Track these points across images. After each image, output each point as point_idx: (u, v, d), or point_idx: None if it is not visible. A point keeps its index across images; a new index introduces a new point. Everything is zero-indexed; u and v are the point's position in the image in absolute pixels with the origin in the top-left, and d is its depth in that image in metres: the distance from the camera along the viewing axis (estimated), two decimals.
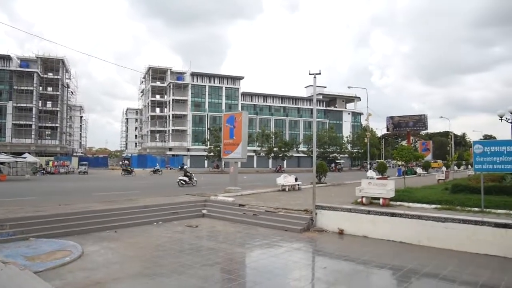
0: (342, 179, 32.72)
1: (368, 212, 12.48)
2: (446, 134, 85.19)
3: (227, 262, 9.22)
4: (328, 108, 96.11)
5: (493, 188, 15.24)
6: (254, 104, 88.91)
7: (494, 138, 64.69)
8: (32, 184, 29.92)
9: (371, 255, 9.94)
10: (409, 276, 8.17)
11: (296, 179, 23.74)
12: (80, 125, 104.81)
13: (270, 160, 71.79)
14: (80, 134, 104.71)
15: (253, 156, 69.33)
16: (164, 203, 16.21)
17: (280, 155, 65.32)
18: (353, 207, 13.32)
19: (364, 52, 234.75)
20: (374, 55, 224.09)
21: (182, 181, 27.20)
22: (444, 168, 39.50)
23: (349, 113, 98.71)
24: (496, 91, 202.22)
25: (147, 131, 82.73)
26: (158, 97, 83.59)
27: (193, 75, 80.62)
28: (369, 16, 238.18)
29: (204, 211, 16.25)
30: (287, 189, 22.13)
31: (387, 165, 44.71)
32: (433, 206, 13.37)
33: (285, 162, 70.54)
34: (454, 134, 76.46)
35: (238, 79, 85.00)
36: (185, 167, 33.56)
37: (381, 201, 13.79)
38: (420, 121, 73.15)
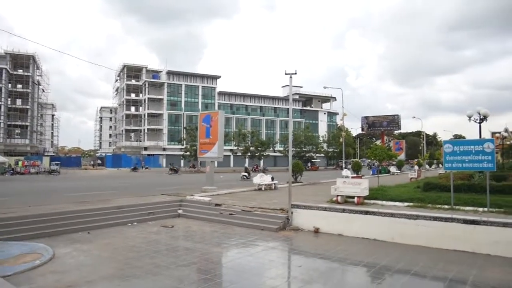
0: (318, 178, 33.06)
1: (343, 211, 12.65)
2: (418, 133, 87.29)
3: (203, 262, 9.17)
4: (304, 108, 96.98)
5: (462, 186, 15.72)
6: (230, 104, 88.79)
7: (464, 137, 66.83)
8: (0, 185, 28.94)
9: (346, 253, 10.09)
10: (383, 272, 8.33)
11: (272, 178, 23.85)
12: (52, 124, 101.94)
13: (247, 160, 71.80)
14: (52, 133, 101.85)
15: (230, 155, 69.21)
16: (139, 203, 15.97)
17: (256, 154, 65.42)
18: (328, 205, 13.48)
19: (340, 53, 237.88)
20: (349, 56, 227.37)
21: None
22: (416, 167, 40.47)
23: (325, 113, 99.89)
24: (465, 93, 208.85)
25: (122, 130, 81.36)
26: (133, 95, 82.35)
27: (169, 73, 79.82)
28: (345, 18, 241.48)
29: (180, 211, 16.11)
30: (263, 188, 22.20)
31: (362, 164, 45.45)
32: (406, 204, 13.67)
33: (261, 161, 70.70)
34: (426, 134, 78.43)
35: (214, 78, 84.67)
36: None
37: (355, 199, 14.00)
38: (394, 121, 74.81)
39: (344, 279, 8.40)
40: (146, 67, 79.78)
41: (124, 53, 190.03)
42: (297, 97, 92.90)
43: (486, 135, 39.87)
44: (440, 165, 54.75)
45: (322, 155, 77.81)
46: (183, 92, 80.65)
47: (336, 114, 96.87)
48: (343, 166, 44.21)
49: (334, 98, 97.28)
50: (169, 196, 18.50)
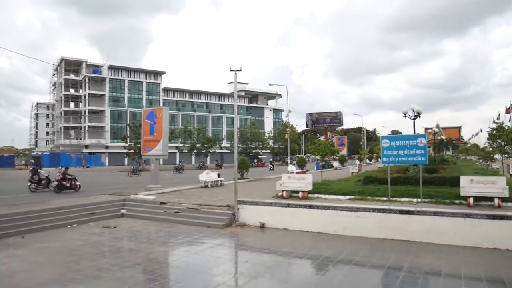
0: (264, 174, 33.47)
1: (288, 205, 12.92)
2: (359, 129, 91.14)
3: (147, 262, 8.97)
4: (251, 105, 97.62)
5: (399, 178, 16.63)
6: (176, 100, 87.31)
7: (401, 133, 70.69)
8: None
9: (291, 246, 10.33)
10: (326, 264, 8.64)
11: (218, 175, 23.78)
12: None
13: (193, 157, 71.05)
14: None
15: (176, 152, 68.06)
16: (79, 203, 15.25)
17: (203, 151, 64.91)
18: (273, 201, 13.71)
19: (285, 50, 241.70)
20: (294, 54, 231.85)
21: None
22: (357, 162, 42.24)
23: (270, 110, 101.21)
24: (402, 91, 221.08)
25: (60, 128, 77.16)
26: (72, 91, 78.36)
27: (112, 68, 76.85)
28: (290, 16, 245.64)
29: (123, 211, 15.60)
30: (209, 185, 22.08)
31: (307, 159, 46.65)
32: (347, 197, 14.23)
33: (208, 158, 70.26)
34: (366, 129, 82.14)
35: (159, 74, 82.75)
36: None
37: (300, 194, 14.34)
38: (337, 117, 77.48)
39: (290, 272, 8.60)
40: (86, 61, 76.09)
41: (63, 46, 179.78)
42: (243, 94, 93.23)
43: (420, 130, 42.47)
44: (379, 159, 57.70)
45: (269, 151, 78.86)
46: (126, 88, 77.97)
47: (281, 111, 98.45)
48: (289, 161, 45.10)
49: (280, 95, 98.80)
50: (111, 196, 17.84)
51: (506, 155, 24.31)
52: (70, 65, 75.69)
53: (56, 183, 20.27)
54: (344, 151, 57.63)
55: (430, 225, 10.70)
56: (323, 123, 78.01)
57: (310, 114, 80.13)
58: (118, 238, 11.42)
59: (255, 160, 66.36)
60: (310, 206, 12.54)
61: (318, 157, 31.34)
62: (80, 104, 78.12)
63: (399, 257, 8.99)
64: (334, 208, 12.13)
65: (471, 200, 12.03)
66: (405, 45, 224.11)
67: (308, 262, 8.98)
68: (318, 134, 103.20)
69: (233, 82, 16.09)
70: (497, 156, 28.15)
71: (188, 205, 14.90)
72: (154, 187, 20.33)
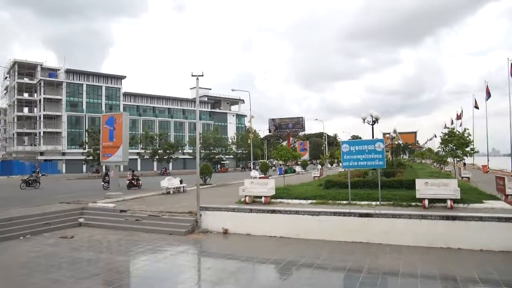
0: (227, 180, 33.35)
1: (251, 211, 12.94)
2: (320, 135, 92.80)
3: (107, 272, 8.68)
4: (213, 110, 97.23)
5: (358, 182, 17.09)
6: (137, 105, 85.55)
7: (360, 138, 72.70)
8: None
9: (254, 252, 10.34)
10: (289, 268, 8.71)
11: (181, 181, 23.46)
12: None
13: (155, 163, 69.69)
14: None
15: (137, 159, 66.60)
16: (33, 213, 14.55)
17: (165, 157, 63.86)
18: (236, 206, 13.69)
19: (248, 56, 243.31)
20: (257, 60, 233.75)
21: None
22: (319, 166, 43.00)
23: (233, 115, 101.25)
24: (361, 97, 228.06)
25: (13, 134, 73.40)
26: (26, 95, 74.86)
27: (69, 72, 74.19)
28: (253, 22, 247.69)
29: (81, 220, 15.04)
30: (171, 192, 21.73)
31: (270, 165, 46.99)
32: (309, 201, 14.45)
33: (170, 164, 69.20)
34: (327, 135, 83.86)
35: (119, 78, 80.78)
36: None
37: (263, 199, 14.42)
38: (299, 123, 78.65)
39: (254, 277, 8.61)
40: (41, 65, 72.93)
41: (17, 49, 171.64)
42: (205, 99, 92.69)
43: (378, 135, 43.97)
44: (340, 164, 59.03)
45: (232, 156, 78.73)
46: (84, 93, 75.44)
47: (244, 116, 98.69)
48: (252, 167, 45.23)
49: (243, 100, 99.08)
50: (68, 205, 17.12)
51: (457, 159, 25.65)
52: (24, 68, 72.30)
53: (127, 182, 26.09)
54: (306, 156, 58.48)
55: (388, 227, 11.06)
56: (286, 128, 78.98)
57: (273, 120, 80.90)
58: (75, 249, 10.98)
59: (218, 166, 66.01)
60: (273, 211, 12.62)
61: (281, 162, 31.66)
62: (35, 109, 74.75)
63: (359, 259, 9.22)
64: (296, 212, 12.27)
65: (426, 202, 12.56)
66: (363, 53, 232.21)
67: (271, 266, 9.03)
68: (280, 140, 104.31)
69: (195, 87, 15.99)
70: (449, 159, 29.62)
71: (149, 213, 14.59)
72: (114, 194, 19.77)
